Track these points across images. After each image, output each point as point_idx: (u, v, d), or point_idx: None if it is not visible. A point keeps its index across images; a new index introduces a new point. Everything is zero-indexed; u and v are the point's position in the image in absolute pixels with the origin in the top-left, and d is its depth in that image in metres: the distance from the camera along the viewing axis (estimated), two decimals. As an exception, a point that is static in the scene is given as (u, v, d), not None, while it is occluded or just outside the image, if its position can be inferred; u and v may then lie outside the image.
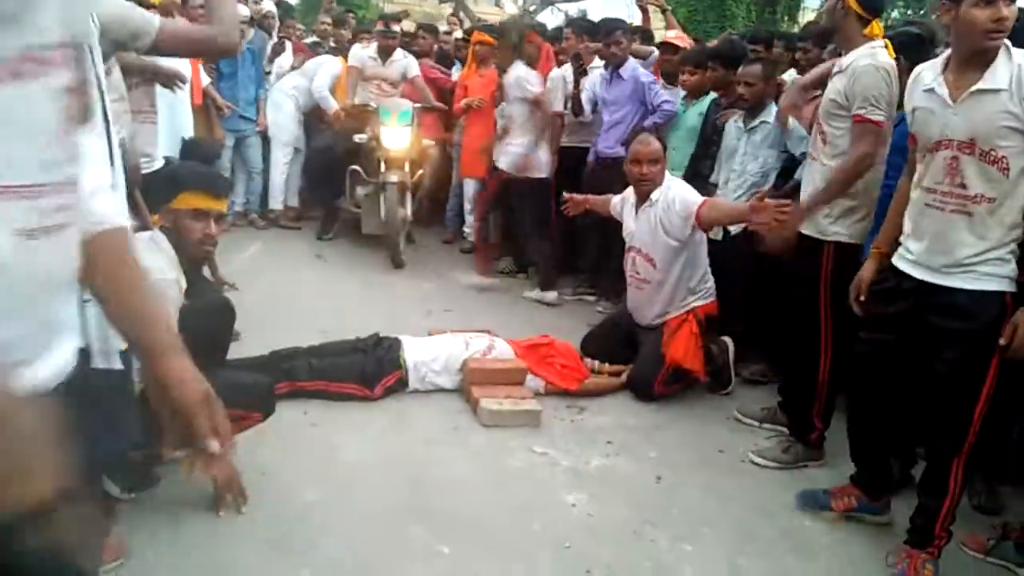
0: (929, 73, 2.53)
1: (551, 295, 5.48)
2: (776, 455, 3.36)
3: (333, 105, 6.43)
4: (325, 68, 6.65)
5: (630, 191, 4.15)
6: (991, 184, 2.38)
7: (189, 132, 5.60)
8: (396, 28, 6.46)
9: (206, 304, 2.77)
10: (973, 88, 2.37)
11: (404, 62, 6.50)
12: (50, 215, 0.95)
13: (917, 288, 2.56)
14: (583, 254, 5.68)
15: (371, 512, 2.75)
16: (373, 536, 2.62)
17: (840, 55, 3.23)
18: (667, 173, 4.07)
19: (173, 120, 5.53)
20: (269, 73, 6.97)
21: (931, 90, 2.49)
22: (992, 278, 2.43)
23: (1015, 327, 2.36)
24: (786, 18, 17.77)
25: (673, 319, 4.00)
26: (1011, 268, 2.43)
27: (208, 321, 2.66)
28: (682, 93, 5.09)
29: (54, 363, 0.99)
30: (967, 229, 2.43)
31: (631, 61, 5.17)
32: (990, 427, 2.58)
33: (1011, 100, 2.31)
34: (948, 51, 2.52)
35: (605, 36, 5.26)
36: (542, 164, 5.53)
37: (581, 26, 6.06)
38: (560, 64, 5.85)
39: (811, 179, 3.21)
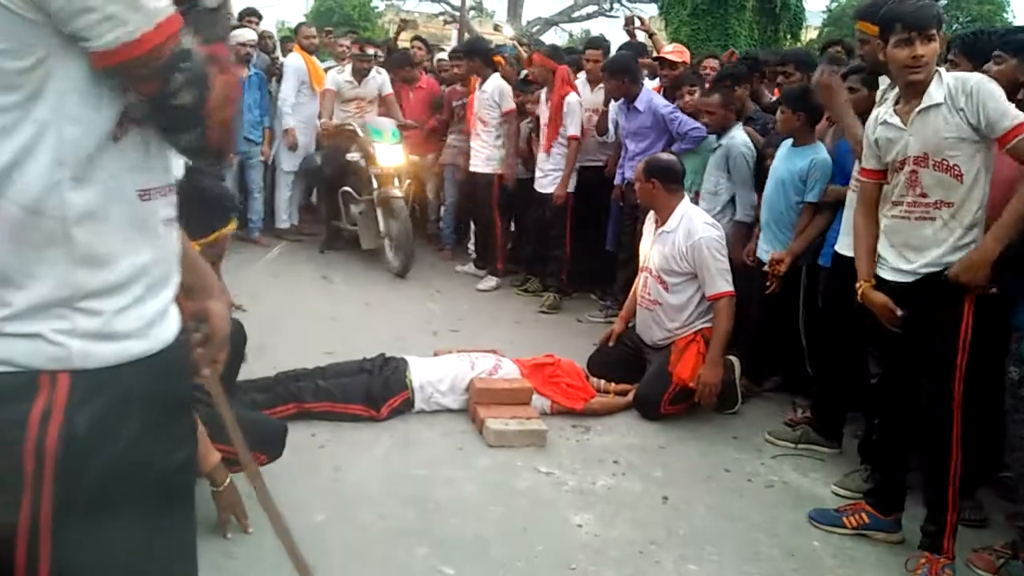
0: (884, 109, 2.80)
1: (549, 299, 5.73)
2: (859, 485, 3.29)
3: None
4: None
5: (652, 212, 4.22)
6: (947, 191, 2.63)
7: None
8: (371, 51, 6.81)
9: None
10: (917, 109, 2.64)
11: (379, 79, 6.80)
12: (175, 208, 1.21)
13: (901, 292, 2.75)
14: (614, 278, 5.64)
15: (376, 533, 2.76)
16: (378, 557, 2.62)
17: None
18: (686, 199, 4.13)
19: None
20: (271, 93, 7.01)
21: (886, 122, 2.75)
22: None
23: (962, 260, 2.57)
24: (788, 36, 17.88)
25: (681, 339, 4.01)
26: None
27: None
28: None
29: (173, 324, 1.21)
30: (931, 233, 2.66)
31: (645, 91, 5.17)
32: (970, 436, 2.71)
33: (949, 112, 2.56)
34: (896, 90, 2.82)
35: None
36: (550, 180, 5.64)
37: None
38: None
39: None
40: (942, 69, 2.67)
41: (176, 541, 1.23)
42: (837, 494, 3.30)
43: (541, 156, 5.75)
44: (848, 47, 5.20)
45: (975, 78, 2.57)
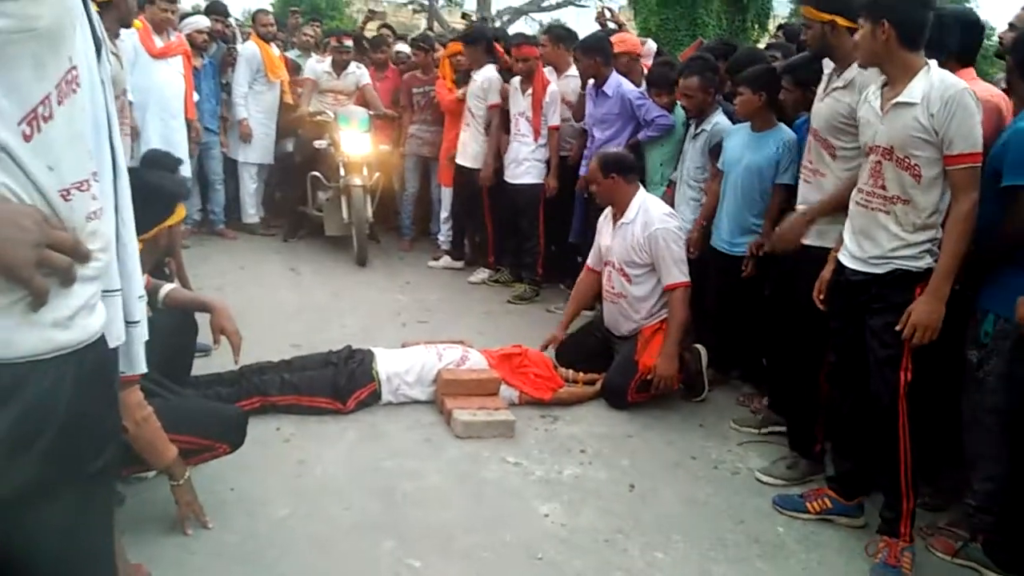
0: (873, 88, 2.76)
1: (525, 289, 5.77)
2: (782, 472, 3.34)
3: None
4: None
5: (609, 208, 4.20)
6: (904, 188, 2.63)
7: (184, 145, 5.71)
8: (348, 43, 6.74)
9: (167, 318, 2.74)
10: (894, 101, 2.62)
11: (357, 73, 6.80)
12: (98, 198, 1.15)
13: (850, 280, 2.78)
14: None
15: (342, 527, 2.74)
16: (344, 551, 2.60)
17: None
18: (641, 190, 4.11)
19: (168, 135, 5.64)
20: (228, 83, 6.87)
21: (870, 102, 2.73)
22: (903, 266, 2.65)
23: (908, 314, 2.58)
24: (756, 26, 17.98)
25: (647, 328, 4.03)
26: (925, 263, 2.64)
27: (169, 335, 2.63)
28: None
29: (101, 317, 1.18)
30: (886, 225, 2.67)
31: (614, 76, 5.13)
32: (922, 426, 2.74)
33: (922, 114, 2.53)
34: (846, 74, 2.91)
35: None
36: (535, 171, 5.63)
37: (557, 34, 6.07)
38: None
39: (817, 193, 3.20)
40: (933, 63, 2.60)
41: (93, 528, 1.21)
42: (762, 481, 3.33)
43: (514, 147, 5.71)
44: (790, 33, 5.20)
45: (958, 88, 2.51)
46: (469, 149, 6.00)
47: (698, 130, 4.41)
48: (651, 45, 5.99)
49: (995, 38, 4.63)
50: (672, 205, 4.41)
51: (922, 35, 2.62)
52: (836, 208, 3.01)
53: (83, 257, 1.08)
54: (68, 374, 1.07)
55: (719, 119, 4.34)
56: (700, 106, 4.35)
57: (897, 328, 2.60)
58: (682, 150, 4.67)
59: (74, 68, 1.08)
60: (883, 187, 2.67)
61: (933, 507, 3.13)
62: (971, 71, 3.04)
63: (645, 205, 4.01)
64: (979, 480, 2.81)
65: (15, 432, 1.01)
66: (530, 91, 5.56)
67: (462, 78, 6.18)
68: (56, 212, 1.05)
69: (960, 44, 2.99)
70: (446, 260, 6.44)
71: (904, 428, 2.68)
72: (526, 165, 5.64)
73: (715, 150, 4.19)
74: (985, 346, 2.72)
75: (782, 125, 3.81)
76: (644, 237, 3.92)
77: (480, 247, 6.38)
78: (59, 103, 1.05)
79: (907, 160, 2.60)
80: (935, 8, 2.67)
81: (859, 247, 2.75)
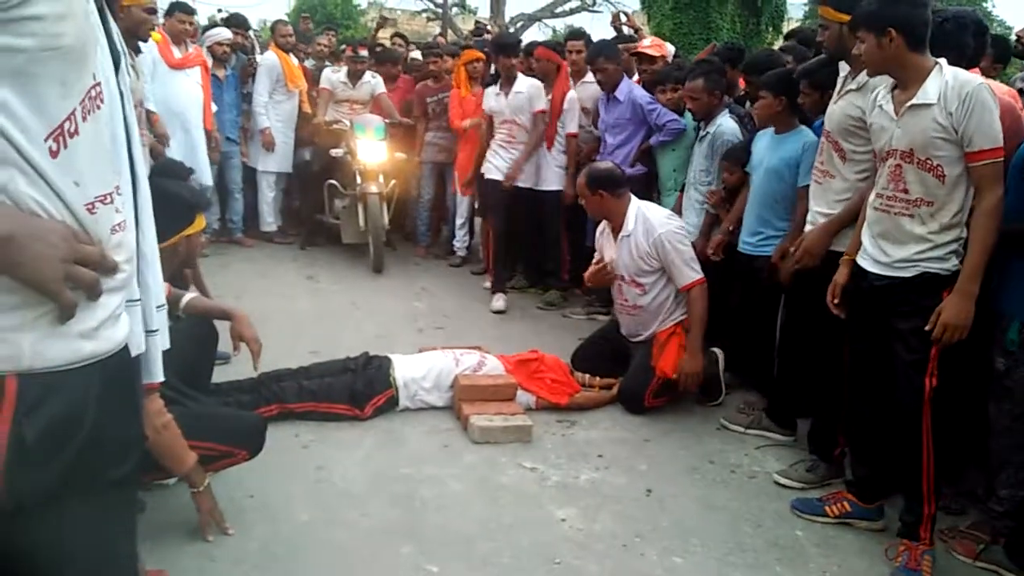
0: (882, 91, 2.75)
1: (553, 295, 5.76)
2: (801, 475, 3.32)
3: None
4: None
5: (605, 222, 4.21)
6: (928, 189, 2.61)
7: (204, 155, 5.81)
8: (363, 53, 6.80)
9: (189, 326, 2.78)
10: (909, 103, 2.60)
11: (372, 83, 6.84)
12: (121, 210, 1.17)
13: (874, 285, 2.75)
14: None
15: (361, 532, 2.76)
16: (363, 557, 2.62)
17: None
18: (633, 199, 4.08)
19: (189, 145, 5.76)
20: (249, 94, 6.92)
21: (881, 107, 2.71)
22: (931, 269, 2.62)
23: (937, 314, 2.56)
24: (770, 28, 17.93)
25: (662, 332, 4.02)
26: (951, 264, 2.61)
27: (190, 343, 2.67)
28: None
29: (125, 327, 1.20)
30: (911, 228, 2.64)
31: (625, 82, 5.12)
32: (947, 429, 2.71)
33: (940, 113, 2.51)
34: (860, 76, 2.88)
35: (589, 61, 5.22)
36: (557, 177, 5.60)
37: (589, 38, 5.99)
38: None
39: (827, 194, 3.20)
40: (943, 62, 2.58)
41: (116, 535, 1.23)
42: (780, 484, 3.31)
43: (538, 154, 5.66)
44: (802, 38, 5.17)
45: (973, 84, 2.49)
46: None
47: (704, 133, 4.43)
48: (669, 48, 5.99)
49: (1012, 37, 4.60)
50: (681, 209, 4.42)
51: (927, 34, 2.60)
52: (855, 216, 2.99)
53: (109, 270, 1.10)
54: (94, 383, 1.09)
55: (723, 121, 4.34)
56: (705, 108, 4.36)
57: (927, 328, 2.57)
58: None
59: (98, 84, 1.10)
60: (905, 190, 2.64)
61: (954, 511, 3.10)
62: (977, 72, 3.02)
63: (642, 213, 3.99)
64: (1004, 486, 2.78)
65: (44, 440, 1.03)
66: (548, 98, 5.56)
67: (490, 80, 6.10)
68: (83, 226, 1.07)
69: (961, 45, 2.92)
70: (501, 300, 5.62)
71: (927, 434, 2.65)
72: (547, 172, 5.64)
73: (731, 154, 4.17)
74: (1012, 354, 2.69)
75: (804, 127, 3.77)
76: (649, 244, 3.92)
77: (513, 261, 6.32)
78: (84, 119, 1.07)
79: (929, 161, 2.57)
80: (930, 6, 2.65)
81: (881, 251, 2.71)
